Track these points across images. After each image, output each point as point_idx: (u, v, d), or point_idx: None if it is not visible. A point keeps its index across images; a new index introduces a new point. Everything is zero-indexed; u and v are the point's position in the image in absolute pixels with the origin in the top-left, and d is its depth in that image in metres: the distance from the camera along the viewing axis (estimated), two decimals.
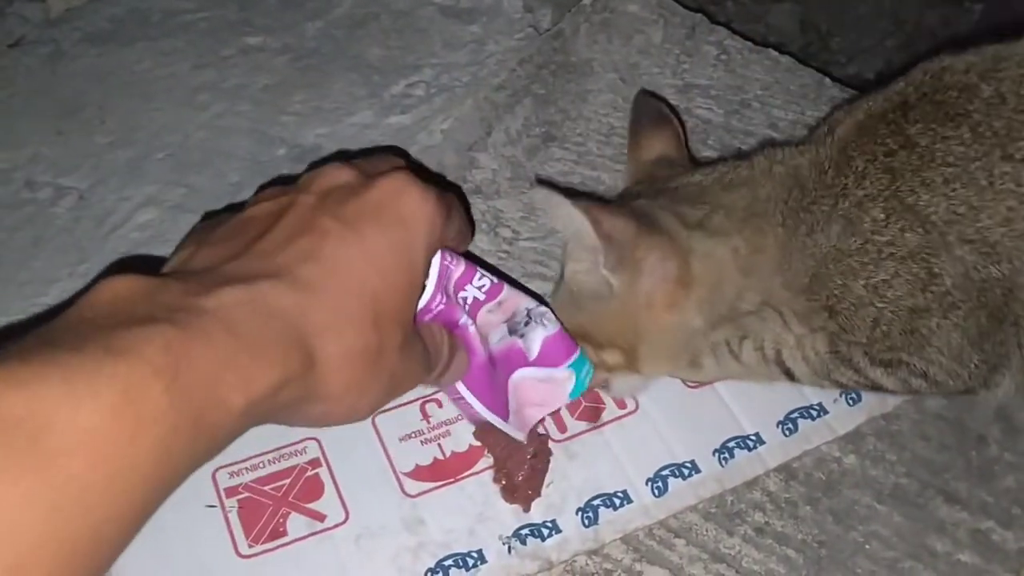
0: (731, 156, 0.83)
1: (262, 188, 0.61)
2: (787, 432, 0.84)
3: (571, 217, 0.68)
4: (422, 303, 0.61)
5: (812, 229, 0.70)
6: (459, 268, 0.63)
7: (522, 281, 0.95)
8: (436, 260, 0.60)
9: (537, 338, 0.68)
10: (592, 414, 0.84)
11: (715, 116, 1.11)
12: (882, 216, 0.66)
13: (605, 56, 1.17)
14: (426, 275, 0.58)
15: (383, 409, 0.81)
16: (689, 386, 0.86)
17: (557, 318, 0.72)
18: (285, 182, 0.60)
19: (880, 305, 0.69)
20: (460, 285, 0.64)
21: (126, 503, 0.40)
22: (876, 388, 0.77)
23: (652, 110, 0.86)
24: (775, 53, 1.17)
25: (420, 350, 0.59)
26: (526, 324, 0.68)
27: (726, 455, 0.82)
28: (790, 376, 0.80)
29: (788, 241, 0.71)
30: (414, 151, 1.05)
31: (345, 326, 0.50)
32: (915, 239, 0.66)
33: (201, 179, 1.04)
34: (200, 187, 1.03)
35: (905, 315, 0.69)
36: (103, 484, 0.38)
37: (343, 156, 0.66)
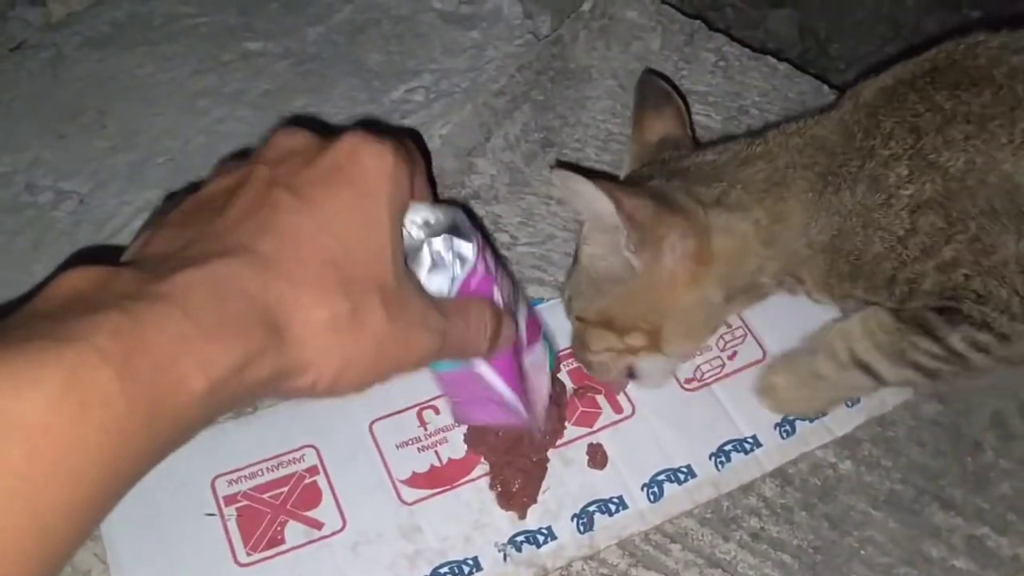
0: (743, 135, 0.84)
1: (223, 161, 0.60)
2: (784, 434, 0.84)
3: (593, 198, 0.70)
4: (467, 269, 0.58)
5: (839, 188, 0.72)
6: (483, 249, 0.59)
7: (521, 285, 0.95)
8: (465, 221, 0.58)
9: (522, 320, 0.69)
10: (588, 419, 0.84)
11: (713, 123, 1.11)
12: (906, 172, 0.69)
13: (603, 63, 1.17)
14: (396, 234, 0.54)
15: (380, 416, 0.82)
16: (685, 388, 0.87)
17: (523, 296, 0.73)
18: (245, 155, 0.59)
19: (907, 254, 0.71)
20: (485, 266, 0.60)
21: (76, 492, 0.39)
22: (950, 355, 0.74)
23: (656, 90, 0.88)
24: (773, 60, 1.17)
25: (419, 316, 0.55)
26: (516, 309, 0.67)
27: (723, 459, 0.82)
28: (872, 373, 0.79)
29: (815, 203, 0.73)
30: None
31: (304, 295, 0.49)
32: (932, 190, 0.68)
33: None
34: None
35: (933, 267, 0.71)
36: (47, 474, 0.37)
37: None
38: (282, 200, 0.51)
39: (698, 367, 0.88)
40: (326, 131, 0.55)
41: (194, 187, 0.56)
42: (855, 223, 0.72)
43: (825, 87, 1.15)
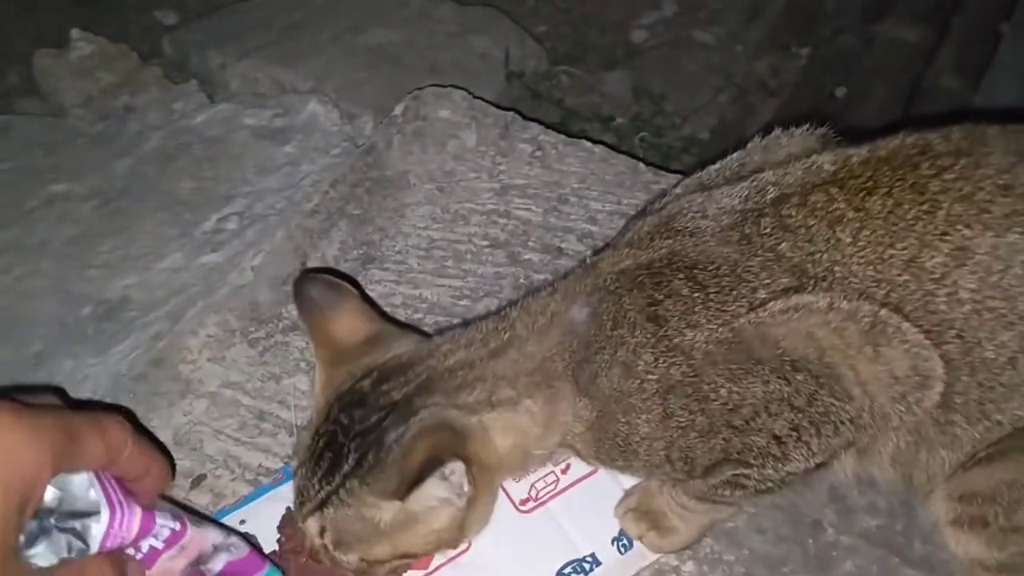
0: (488, 316, 0.80)
1: None
2: (623, 549, 0.82)
3: (443, 477, 0.68)
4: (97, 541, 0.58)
5: (596, 376, 0.72)
6: (132, 527, 0.60)
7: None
8: (101, 526, 0.57)
9: (220, 562, 0.68)
10: (422, 560, 0.81)
11: (534, 215, 1.10)
12: (651, 359, 0.69)
13: (420, 166, 1.15)
14: (18, 512, 0.53)
15: None
16: (521, 511, 0.84)
17: (251, 544, 0.71)
18: None
19: (671, 435, 0.70)
20: (136, 541, 0.61)
21: None
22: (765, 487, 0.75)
23: (321, 288, 0.79)
24: (588, 144, 1.17)
25: None
26: (212, 554, 0.67)
27: None
28: (727, 503, 0.79)
29: (575, 389, 0.73)
30: (224, 293, 1.01)
31: None
32: (679, 372, 0.69)
33: (3, 351, 0.99)
34: (2, 361, 0.98)
35: (696, 438, 0.70)
36: None
37: None
38: None
39: (532, 485, 0.85)
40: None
41: None
42: (615, 409, 0.71)
43: (641, 165, 1.15)
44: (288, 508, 0.80)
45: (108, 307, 1.02)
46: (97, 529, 0.57)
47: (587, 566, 0.81)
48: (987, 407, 0.68)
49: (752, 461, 0.71)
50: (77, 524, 0.56)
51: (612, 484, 0.86)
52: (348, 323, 0.78)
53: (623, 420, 0.71)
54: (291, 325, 0.99)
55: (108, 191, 1.17)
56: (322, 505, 0.71)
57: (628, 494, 0.85)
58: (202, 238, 1.10)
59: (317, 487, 0.71)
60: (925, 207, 0.66)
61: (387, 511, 0.70)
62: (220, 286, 1.02)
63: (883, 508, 0.86)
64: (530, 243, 1.08)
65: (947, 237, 0.65)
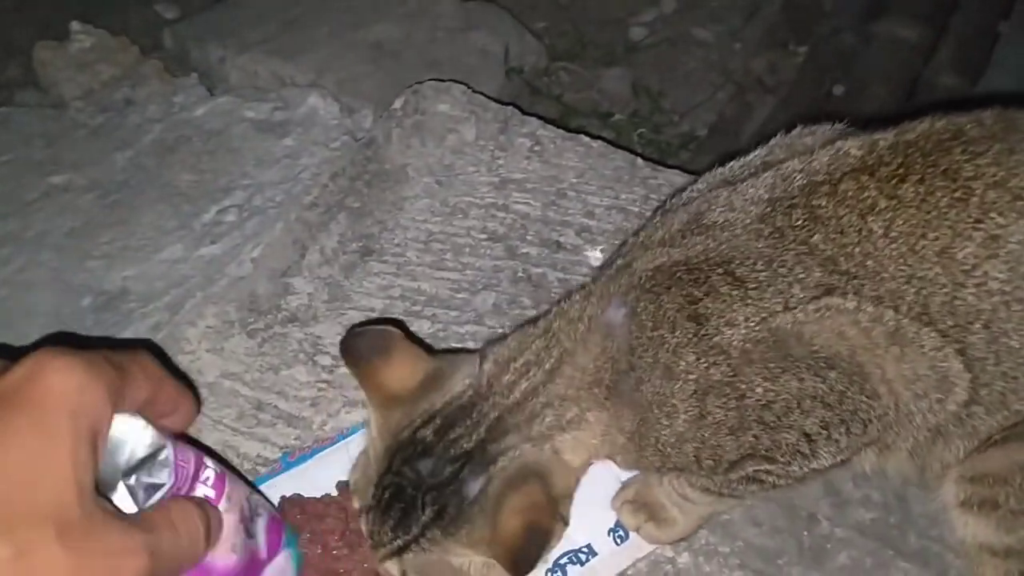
0: (523, 325, 0.79)
1: None
2: (618, 540, 0.83)
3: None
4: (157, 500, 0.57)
5: (640, 382, 0.71)
6: (189, 458, 0.59)
7: (343, 410, 0.93)
8: (169, 456, 0.56)
9: (262, 531, 0.67)
10: None
11: (532, 209, 1.10)
12: (693, 359, 0.69)
13: (419, 160, 1.16)
14: (83, 455, 0.51)
15: None
16: None
17: (268, 501, 0.71)
18: None
19: (703, 434, 0.70)
20: (192, 483, 0.59)
21: None
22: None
23: (365, 341, 0.76)
24: (587, 139, 1.18)
25: (116, 541, 0.51)
26: (252, 520, 0.65)
27: (559, 574, 0.80)
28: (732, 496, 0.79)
29: (619, 398, 0.72)
30: (223, 284, 1.01)
31: None
32: (720, 372, 0.68)
33: (3, 342, 0.99)
34: None
35: (727, 436, 0.70)
36: None
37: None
38: None
39: None
40: (16, 354, 0.52)
41: None
42: (658, 413, 0.71)
43: (639, 160, 1.15)
44: (282, 496, 0.81)
45: (107, 298, 1.02)
46: (167, 456, 0.56)
47: (583, 556, 0.82)
48: (1008, 397, 0.68)
49: (779, 458, 0.71)
50: (143, 471, 0.55)
51: (608, 475, 0.86)
52: (400, 370, 0.74)
53: (666, 423, 0.70)
54: (290, 316, 1.00)
55: (108, 183, 1.18)
56: (400, 551, 0.70)
57: (625, 485, 0.85)
58: (201, 230, 1.10)
59: (391, 535, 0.70)
60: (958, 194, 0.66)
61: (477, 558, 0.70)
62: (219, 278, 1.02)
63: (878, 501, 0.87)
64: (528, 237, 1.08)
65: (980, 225, 0.65)
